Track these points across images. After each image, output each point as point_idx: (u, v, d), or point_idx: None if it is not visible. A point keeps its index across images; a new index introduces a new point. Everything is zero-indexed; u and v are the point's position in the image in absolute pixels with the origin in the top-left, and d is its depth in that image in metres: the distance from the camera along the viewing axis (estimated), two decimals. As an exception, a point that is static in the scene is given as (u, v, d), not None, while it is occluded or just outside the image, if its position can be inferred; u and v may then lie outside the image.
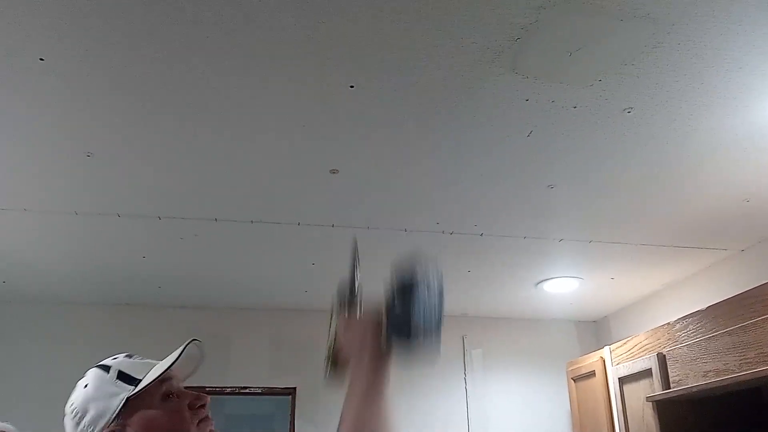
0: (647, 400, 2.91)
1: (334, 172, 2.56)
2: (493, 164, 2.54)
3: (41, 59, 1.86)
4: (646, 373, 2.98)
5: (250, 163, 2.49)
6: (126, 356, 1.18)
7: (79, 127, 2.22)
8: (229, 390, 4.15)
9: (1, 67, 1.90)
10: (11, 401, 3.58)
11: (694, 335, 2.68)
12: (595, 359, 3.56)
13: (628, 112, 2.18)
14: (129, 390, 1.11)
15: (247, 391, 4.20)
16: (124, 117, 2.17)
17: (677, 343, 2.79)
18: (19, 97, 2.04)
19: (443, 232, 3.16)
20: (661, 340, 2.92)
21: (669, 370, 2.82)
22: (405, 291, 0.91)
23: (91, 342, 4.05)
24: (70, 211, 2.84)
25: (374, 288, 0.98)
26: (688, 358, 2.69)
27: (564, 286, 3.99)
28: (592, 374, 3.60)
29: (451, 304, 4.40)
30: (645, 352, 3.03)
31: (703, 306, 2.67)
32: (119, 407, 1.10)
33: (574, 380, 3.86)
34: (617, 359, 3.33)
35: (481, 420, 4.40)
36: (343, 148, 2.40)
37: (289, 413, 4.25)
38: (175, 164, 2.49)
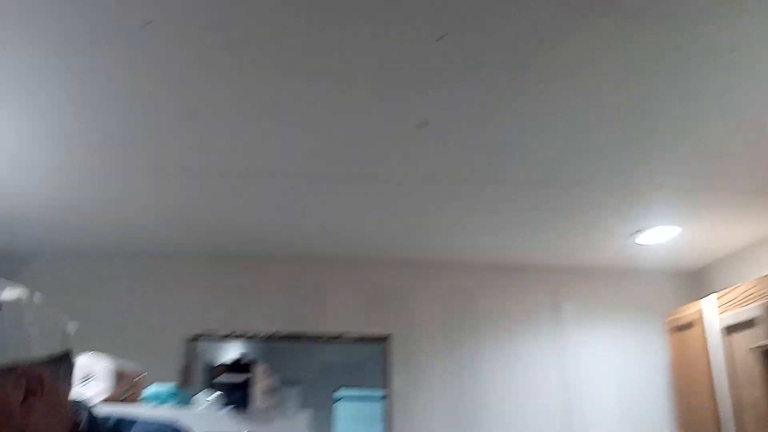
0: (752, 350, 2.83)
1: (422, 125, 2.58)
2: (588, 112, 2.47)
3: (149, 22, 1.97)
4: (752, 323, 2.89)
5: (342, 118, 2.55)
6: None
7: (185, 87, 2.34)
8: (324, 338, 4.33)
9: (108, 29, 2.01)
10: (121, 351, 3.89)
11: (805, 284, 2.56)
12: (696, 309, 3.47)
13: (734, 52, 2.07)
14: None
15: (342, 338, 4.37)
16: (228, 77, 2.27)
17: (786, 292, 2.68)
18: (123, 59, 2.17)
19: (535, 182, 3.13)
20: (769, 289, 2.81)
21: (776, 320, 2.72)
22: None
23: (194, 294, 4.33)
24: (178, 169, 3.02)
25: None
26: (798, 308, 2.58)
27: (662, 236, 3.87)
28: (691, 324, 3.52)
29: (542, 256, 4.36)
30: (752, 301, 2.93)
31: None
32: None
33: (674, 331, 3.78)
34: (722, 308, 3.23)
35: (575, 373, 4.39)
36: (432, 100, 2.41)
37: (383, 360, 4.39)
38: (271, 122, 2.59)
